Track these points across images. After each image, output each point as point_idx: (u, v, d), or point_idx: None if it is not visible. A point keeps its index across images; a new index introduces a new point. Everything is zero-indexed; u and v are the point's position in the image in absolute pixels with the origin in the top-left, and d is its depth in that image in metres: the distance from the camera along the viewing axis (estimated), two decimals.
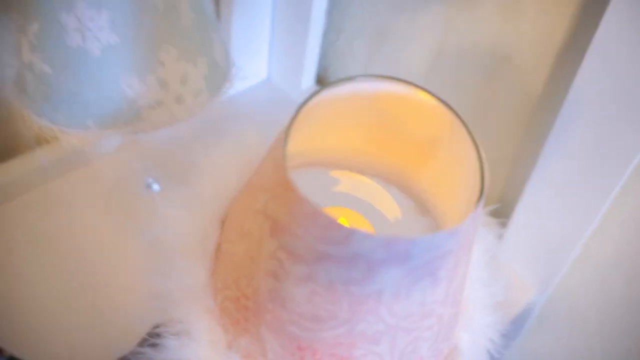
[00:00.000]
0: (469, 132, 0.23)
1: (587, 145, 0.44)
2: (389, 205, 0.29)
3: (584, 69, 0.41)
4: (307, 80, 0.66)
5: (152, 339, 0.25)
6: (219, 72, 0.40)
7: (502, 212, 0.57)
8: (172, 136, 0.56)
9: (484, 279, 0.29)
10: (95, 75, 0.34)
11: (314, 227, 0.20)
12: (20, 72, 0.36)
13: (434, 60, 0.56)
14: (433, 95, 0.23)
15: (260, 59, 0.66)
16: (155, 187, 0.53)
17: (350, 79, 0.23)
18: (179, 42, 0.36)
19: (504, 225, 0.56)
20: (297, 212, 0.20)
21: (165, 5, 0.34)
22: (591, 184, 0.45)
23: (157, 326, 0.27)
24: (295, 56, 0.64)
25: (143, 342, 0.31)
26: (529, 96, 0.51)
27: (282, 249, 0.21)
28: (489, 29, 0.51)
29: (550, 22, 0.47)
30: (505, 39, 0.50)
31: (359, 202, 0.29)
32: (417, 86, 0.23)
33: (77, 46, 0.33)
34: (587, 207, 0.46)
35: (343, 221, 0.24)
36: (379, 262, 0.20)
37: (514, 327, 0.56)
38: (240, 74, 0.42)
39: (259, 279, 0.23)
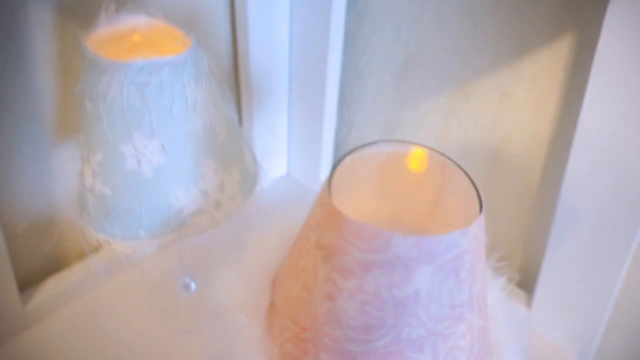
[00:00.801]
0: (459, 166, 0.27)
1: (597, 208, 0.46)
2: None
3: (576, 143, 0.45)
4: (324, 173, 0.71)
5: None
6: (250, 177, 0.46)
7: (527, 284, 0.59)
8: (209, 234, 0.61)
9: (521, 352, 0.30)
10: (148, 193, 0.39)
11: (361, 240, 0.24)
12: (82, 195, 0.42)
13: (440, 146, 0.62)
14: (427, 147, 0.28)
15: (280, 157, 0.73)
16: (193, 286, 0.57)
17: (373, 143, 0.29)
18: (217, 157, 0.41)
19: (530, 294, 0.57)
20: (345, 232, 0.24)
21: (205, 129, 0.40)
22: (608, 243, 0.47)
23: None
24: (311, 152, 0.70)
25: None
26: (532, 171, 0.55)
27: (334, 269, 0.25)
28: (487, 115, 0.56)
29: (540, 106, 0.52)
30: (503, 122, 0.55)
31: None
32: (414, 143, 0.29)
33: (132, 169, 0.38)
34: (610, 263, 0.47)
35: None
36: (413, 261, 0.23)
37: None
38: (265, 173, 0.48)
39: (316, 306, 0.26)
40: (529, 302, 0.56)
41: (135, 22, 0.41)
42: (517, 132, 0.55)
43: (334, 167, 0.26)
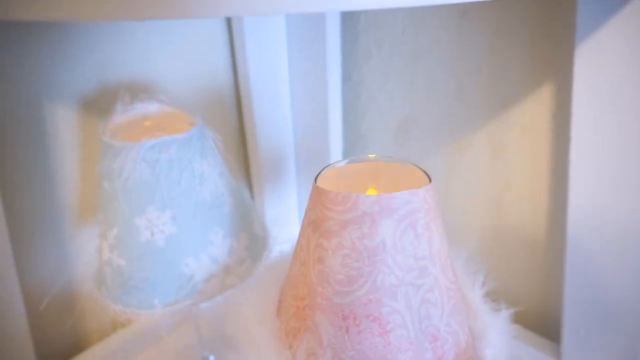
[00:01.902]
0: (421, 169, 0.34)
1: (606, 246, 0.46)
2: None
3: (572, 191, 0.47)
4: None
5: None
6: (259, 242, 0.48)
7: (553, 334, 0.57)
8: (221, 305, 0.62)
9: None
10: (161, 262, 0.41)
11: (337, 205, 0.30)
12: (100, 269, 0.44)
13: (444, 199, 0.63)
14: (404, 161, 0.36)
15: (291, 226, 0.74)
16: (212, 359, 0.57)
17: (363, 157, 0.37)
18: (224, 224, 0.44)
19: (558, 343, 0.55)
20: (325, 201, 0.31)
21: (212, 199, 0.43)
22: (625, 280, 0.46)
23: None
24: None
25: None
26: (537, 217, 0.56)
27: (322, 235, 0.31)
28: (484, 166, 0.58)
29: (532, 152, 0.54)
30: (500, 172, 0.57)
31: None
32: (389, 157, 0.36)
33: (146, 241, 0.41)
34: (632, 303, 0.46)
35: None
36: (377, 215, 0.29)
37: None
38: (276, 241, 0.49)
39: (310, 273, 0.31)
40: (557, 353, 0.54)
41: (147, 109, 0.46)
42: (515, 180, 0.56)
43: (319, 173, 0.35)
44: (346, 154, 0.71)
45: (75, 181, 0.54)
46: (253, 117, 0.65)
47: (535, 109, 0.52)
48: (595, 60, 0.42)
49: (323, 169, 0.35)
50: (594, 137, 0.44)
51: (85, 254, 0.47)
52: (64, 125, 0.52)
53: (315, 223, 0.31)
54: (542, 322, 0.59)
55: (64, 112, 0.52)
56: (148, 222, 0.40)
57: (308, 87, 0.67)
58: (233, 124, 0.68)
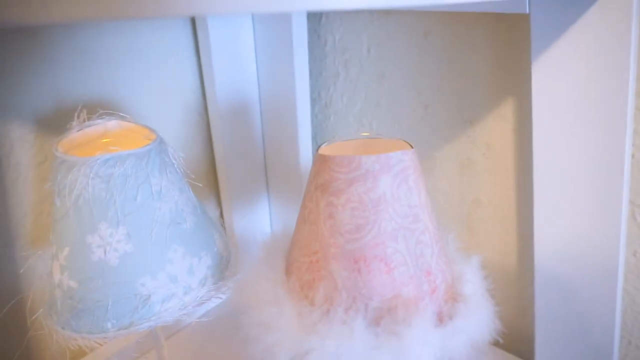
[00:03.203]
0: (406, 142, 0.40)
1: (573, 263, 0.46)
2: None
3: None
4: None
5: None
6: (222, 261, 0.46)
7: (524, 352, 0.56)
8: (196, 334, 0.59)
9: None
10: (114, 282, 0.39)
11: (343, 167, 0.35)
12: (51, 292, 0.41)
13: None
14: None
15: (262, 237, 0.73)
16: None
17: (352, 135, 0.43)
18: (184, 242, 0.42)
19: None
20: (332, 165, 0.36)
21: (172, 215, 0.42)
22: (594, 299, 0.45)
23: None
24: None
25: None
26: (507, 233, 0.56)
27: (331, 195, 0.36)
28: (453, 182, 0.58)
29: (498, 168, 0.55)
30: (469, 187, 0.57)
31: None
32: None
33: (99, 259, 0.39)
34: (602, 321, 0.46)
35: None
36: (377, 172, 0.35)
37: None
38: (244, 256, 0.48)
39: (322, 229, 0.36)
40: None
41: (106, 126, 0.45)
42: (484, 195, 0.56)
43: (318, 147, 0.40)
44: None
45: (30, 202, 0.52)
46: (222, 135, 0.65)
47: (498, 126, 0.53)
48: (551, 74, 0.43)
49: (321, 145, 0.40)
50: (555, 151, 0.44)
51: (38, 277, 0.44)
52: (19, 144, 0.50)
53: (323, 186, 0.36)
54: (514, 341, 0.58)
55: (18, 130, 0.50)
56: (101, 239, 0.38)
57: (278, 107, 0.67)
58: (201, 139, 0.67)
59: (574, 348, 0.48)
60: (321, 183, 0.36)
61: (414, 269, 0.36)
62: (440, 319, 0.36)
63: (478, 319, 0.37)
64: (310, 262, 0.37)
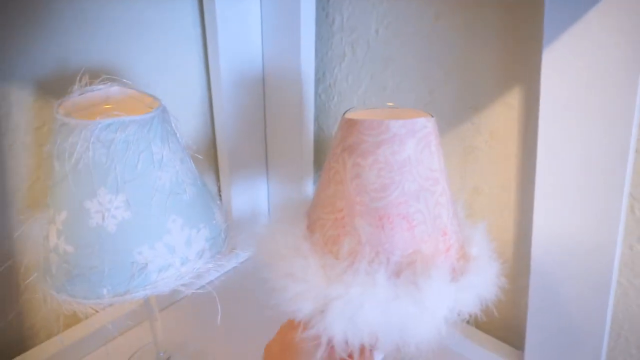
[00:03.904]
0: (427, 112, 0.41)
1: (569, 252, 0.46)
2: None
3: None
4: None
5: None
6: (219, 234, 0.46)
7: (515, 340, 0.56)
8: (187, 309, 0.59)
9: None
10: (111, 249, 0.39)
11: (371, 130, 0.37)
12: (47, 257, 0.41)
13: None
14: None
15: (260, 214, 0.73)
16: None
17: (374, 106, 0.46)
18: (183, 212, 0.42)
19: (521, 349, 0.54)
20: (360, 128, 0.38)
21: (172, 185, 0.41)
22: (588, 288, 0.46)
23: None
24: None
25: None
26: (505, 221, 0.56)
27: (358, 156, 0.38)
28: (455, 169, 0.58)
29: (501, 156, 0.54)
30: (470, 175, 0.57)
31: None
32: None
33: (96, 225, 0.38)
34: (593, 312, 0.46)
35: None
36: (404, 136, 0.37)
37: None
38: (242, 231, 0.48)
39: (348, 188, 0.38)
40: (520, 359, 0.54)
41: (108, 91, 0.44)
42: (485, 183, 0.56)
43: (344, 113, 0.42)
44: (317, 153, 0.70)
45: (27, 167, 0.51)
46: (224, 110, 0.64)
47: (504, 114, 0.53)
48: (562, 63, 0.42)
49: (346, 111, 0.42)
50: (560, 141, 0.44)
51: (33, 242, 0.44)
52: (18, 107, 0.49)
53: (351, 148, 0.38)
54: (506, 330, 0.58)
55: (18, 93, 0.49)
56: (99, 205, 0.38)
57: (282, 85, 0.66)
58: (202, 114, 0.67)
59: (564, 338, 0.48)
60: (348, 145, 0.39)
61: (432, 228, 0.38)
62: (454, 275, 0.39)
63: (486, 276, 0.40)
64: (335, 219, 0.39)
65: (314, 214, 0.42)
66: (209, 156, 0.68)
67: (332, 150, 0.41)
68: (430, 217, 0.38)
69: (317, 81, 0.68)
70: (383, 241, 0.37)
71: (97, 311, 0.38)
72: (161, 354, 0.54)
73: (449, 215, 0.40)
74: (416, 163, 0.38)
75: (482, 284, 0.40)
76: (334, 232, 0.39)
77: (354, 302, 0.35)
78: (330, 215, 0.40)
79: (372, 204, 0.37)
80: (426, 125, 0.38)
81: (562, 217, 0.46)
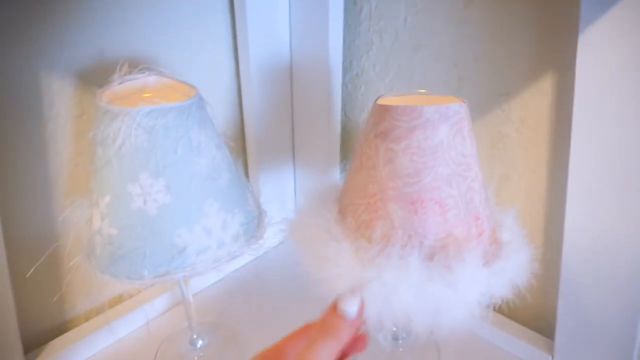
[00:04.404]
0: (460, 99, 0.42)
1: (602, 243, 0.46)
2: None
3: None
4: None
5: None
6: (253, 220, 0.47)
7: (545, 329, 0.56)
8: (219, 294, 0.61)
9: None
10: (152, 231, 0.40)
11: (404, 116, 0.38)
12: (90, 239, 0.43)
13: None
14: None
15: (286, 206, 0.74)
16: (200, 342, 0.56)
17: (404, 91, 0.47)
18: (219, 197, 0.43)
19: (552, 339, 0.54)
20: (393, 114, 0.38)
21: (209, 170, 0.42)
22: (622, 281, 0.45)
23: None
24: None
25: None
26: (535, 209, 0.55)
27: (391, 141, 0.38)
28: (484, 156, 0.58)
29: (531, 144, 0.54)
30: (499, 162, 0.57)
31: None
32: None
33: (138, 209, 0.40)
34: (627, 305, 0.46)
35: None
36: (437, 121, 0.38)
37: None
38: (271, 220, 0.49)
39: (381, 173, 0.39)
40: (551, 349, 0.53)
41: (146, 81, 0.45)
42: (514, 171, 0.56)
43: (376, 100, 0.42)
44: (344, 144, 0.71)
45: (68, 154, 0.53)
46: (252, 99, 0.65)
47: (535, 101, 0.52)
48: (598, 48, 0.42)
49: (378, 98, 0.43)
50: (595, 129, 0.44)
51: (76, 225, 0.46)
52: (60, 96, 0.51)
53: (384, 133, 0.39)
54: (537, 319, 0.58)
55: (60, 83, 0.51)
56: (141, 189, 0.39)
57: (309, 74, 0.67)
58: (231, 102, 0.68)
59: (595, 328, 0.48)
60: (381, 131, 0.39)
61: (464, 212, 0.39)
62: (486, 259, 0.39)
63: (518, 261, 0.40)
64: (368, 204, 0.40)
65: (346, 199, 0.43)
66: (238, 145, 0.69)
67: (364, 136, 0.42)
68: (462, 202, 0.39)
69: (344, 70, 0.68)
70: (416, 225, 0.38)
71: (139, 291, 0.39)
72: (194, 336, 0.56)
73: (481, 200, 0.40)
74: (449, 148, 0.38)
75: (514, 268, 0.40)
76: (366, 216, 0.40)
77: (388, 285, 0.36)
78: (363, 200, 0.40)
79: (404, 188, 0.38)
80: (459, 111, 0.38)
81: (595, 207, 0.45)
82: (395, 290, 0.36)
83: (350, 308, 0.33)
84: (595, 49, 0.42)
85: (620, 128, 0.42)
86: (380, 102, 0.42)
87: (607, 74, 0.42)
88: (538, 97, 0.52)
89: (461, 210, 0.38)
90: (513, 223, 0.43)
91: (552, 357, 0.53)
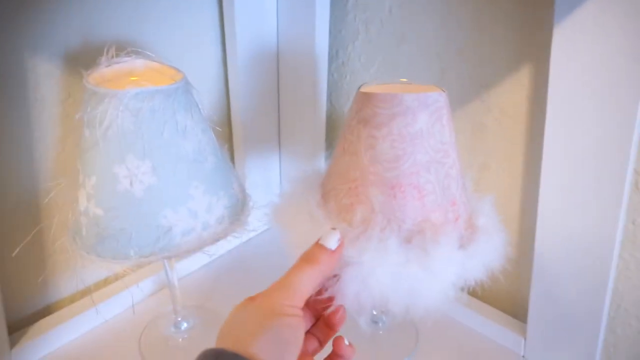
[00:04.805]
0: (439, 87, 0.44)
1: (573, 229, 0.48)
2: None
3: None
4: None
5: None
6: (237, 203, 0.48)
7: (518, 312, 0.58)
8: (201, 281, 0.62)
9: None
10: (138, 212, 0.41)
11: (385, 102, 0.39)
12: (76, 219, 0.44)
13: None
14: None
15: (272, 190, 0.75)
16: (184, 325, 0.57)
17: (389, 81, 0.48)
18: (205, 180, 0.44)
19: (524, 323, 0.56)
20: (375, 101, 0.39)
21: (194, 154, 0.43)
22: (591, 262, 0.47)
23: None
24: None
25: None
26: (511, 198, 0.57)
27: (372, 127, 0.40)
28: (464, 145, 0.59)
29: (510, 133, 0.56)
30: (479, 151, 0.59)
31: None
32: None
33: (125, 190, 0.41)
34: (594, 284, 0.48)
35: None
36: (416, 109, 0.39)
37: None
38: (255, 204, 0.50)
39: (362, 159, 0.40)
40: (523, 331, 0.56)
41: (133, 64, 0.46)
42: (493, 159, 0.58)
43: (359, 87, 0.43)
44: (329, 132, 0.72)
45: (54, 137, 0.53)
46: (239, 87, 0.66)
47: (514, 93, 0.54)
48: (571, 42, 0.43)
49: (361, 85, 0.44)
50: (567, 118, 0.45)
51: (61, 206, 0.46)
52: (46, 79, 0.51)
53: (365, 120, 0.40)
54: (511, 303, 0.60)
55: (46, 65, 0.51)
56: (127, 170, 0.40)
57: (296, 63, 0.68)
58: (220, 92, 0.68)
59: (566, 309, 0.50)
60: (363, 117, 0.40)
61: (442, 198, 0.40)
62: (462, 243, 0.41)
63: (492, 245, 0.42)
64: (349, 189, 0.41)
65: (329, 184, 0.44)
66: (224, 131, 0.70)
67: (347, 123, 0.43)
68: (440, 188, 0.40)
69: (330, 59, 0.69)
70: (395, 209, 0.39)
71: (124, 274, 0.40)
72: (179, 319, 0.57)
73: (458, 187, 0.42)
74: (428, 136, 0.39)
75: (488, 252, 0.42)
76: (347, 200, 0.41)
77: (366, 266, 0.37)
78: (344, 185, 0.41)
79: (385, 174, 0.39)
80: (438, 99, 0.40)
81: (566, 193, 0.47)
82: (374, 272, 0.37)
83: (331, 240, 0.34)
84: (569, 42, 0.43)
85: (592, 120, 0.44)
86: (363, 89, 0.43)
87: (580, 67, 0.43)
88: (516, 89, 0.54)
89: (438, 195, 0.40)
90: (489, 209, 0.45)
91: (525, 339, 0.55)
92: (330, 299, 0.37)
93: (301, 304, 0.32)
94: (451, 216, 0.41)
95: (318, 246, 0.34)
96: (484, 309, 0.60)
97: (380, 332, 0.57)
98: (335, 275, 0.37)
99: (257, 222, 0.52)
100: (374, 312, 0.58)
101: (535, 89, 0.52)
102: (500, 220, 0.45)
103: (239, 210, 0.47)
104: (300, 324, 0.30)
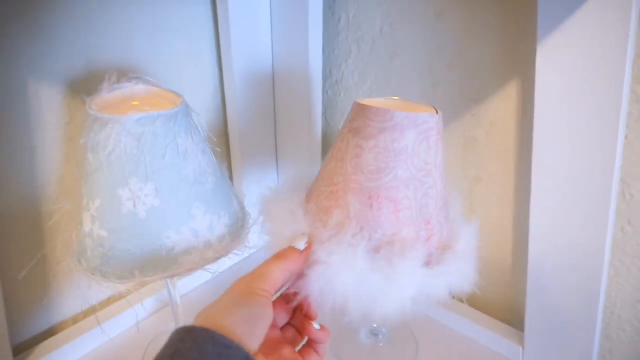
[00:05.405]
0: (433, 107, 0.45)
1: (566, 237, 0.49)
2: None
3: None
4: None
5: None
6: (238, 221, 0.49)
7: (516, 322, 0.59)
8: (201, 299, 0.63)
9: None
10: (142, 233, 0.42)
11: (378, 116, 0.40)
12: (81, 241, 0.45)
13: None
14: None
15: None
16: None
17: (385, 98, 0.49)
18: (206, 200, 0.45)
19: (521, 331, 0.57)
20: (368, 114, 0.41)
21: (195, 175, 0.45)
22: (583, 269, 0.49)
23: None
24: None
25: None
26: (504, 209, 0.59)
27: (361, 138, 0.41)
28: (456, 159, 0.61)
29: (500, 146, 0.57)
30: (471, 165, 0.60)
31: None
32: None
33: (128, 212, 0.42)
34: (587, 293, 0.49)
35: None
36: (405, 127, 0.40)
37: None
38: (255, 222, 0.51)
39: (347, 166, 0.42)
40: (522, 339, 0.57)
41: (134, 89, 0.47)
42: (485, 172, 0.59)
43: (355, 102, 0.44)
44: (325, 147, 0.73)
45: (57, 161, 0.54)
46: (236, 106, 0.67)
47: (503, 105, 0.56)
48: (555, 57, 0.45)
49: (359, 99, 0.46)
50: (554, 130, 0.47)
51: (65, 229, 0.47)
52: (48, 104, 0.53)
53: (356, 130, 0.42)
54: (508, 312, 0.62)
55: (48, 91, 0.52)
56: (131, 193, 0.41)
57: (291, 82, 0.69)
58: (215, 109, 0.70)
59: (562, 317, 0.51)
60: (354, 127, 0.42)
61: (417, 215, 0.41)
62: (429, 262, 0.42)
63: (459, 269, 0.42)
64: (331, 192, 0.43)
65: (314, 185, 0.46)
66: (222, 152, 0.71)
67: (341, 130, 0.45)
68: (417, 206, 0.41)
69: (325, 78, 0.71)
70: (369, 219, 0.41)
71: (130, 292, 0.41)
72: None
73: (437, 207, 0.43)
74: (412, 154, 0.40)
75: (453, 274, 0.42)
76: (327, 203, 0.42)
77: (333, 267, 0.39)
78: (327, 188, 0.43)
79: (366, 183, 0.41)
80: (428, 120, 0.41)
81: (557, 203, 0.48)
82: (339, 274, 0.39)
83: (300, 242, 0.39)
84: (553, 58, 0.45)
85: (578, 131, 0.46)
86: (360, 101, 0.44)
87: (564, 81, 0.45)
88: (505, 103, 0.55)
89: (414, 212, 0.41)
90: (471, 236, 0.45)
91: (523, 347, 0.56)
92: (296, 293, 0.39)
93: (272, 290, 0.36)
94: (423, 234, 0.42)
95: (289, 247, 0.39)
96: (482, 319, 0.61)
97: (381, 344, 0.58)
98: (303, 274, 0.39)
99: (256, 239, 0.53)
100: (374, 325, 0.59)
101: (522, 102, 0.54)
102: (477, 247, 0.45)
103: (239, 228, 0.49)
104: (269, 303, 0.34)
